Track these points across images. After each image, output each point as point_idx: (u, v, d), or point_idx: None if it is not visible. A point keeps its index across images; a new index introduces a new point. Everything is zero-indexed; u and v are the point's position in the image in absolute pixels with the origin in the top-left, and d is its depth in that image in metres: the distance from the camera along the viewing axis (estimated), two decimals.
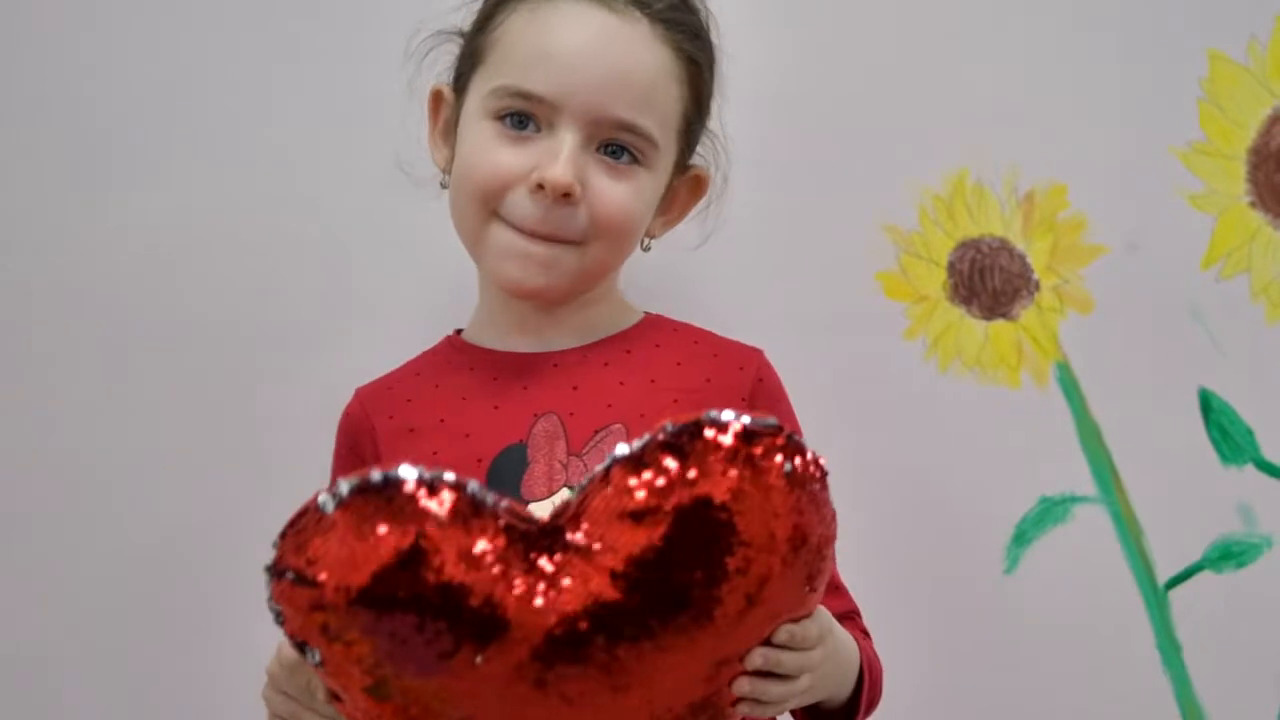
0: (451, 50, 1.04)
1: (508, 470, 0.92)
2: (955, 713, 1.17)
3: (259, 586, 0.72)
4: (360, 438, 1.00)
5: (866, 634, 0.98)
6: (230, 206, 1.23)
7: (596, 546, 0.70)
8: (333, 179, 1.23)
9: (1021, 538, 1.23)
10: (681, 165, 1.03)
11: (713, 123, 1.05)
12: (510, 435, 0.94)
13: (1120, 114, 1.24)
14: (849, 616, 0.97)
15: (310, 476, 1.00)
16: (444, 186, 1.02)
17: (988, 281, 1.24)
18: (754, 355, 1.02)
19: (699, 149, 1.06)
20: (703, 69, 1.00)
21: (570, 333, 1.01)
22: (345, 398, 1.04)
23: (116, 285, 1.22)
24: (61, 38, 1.22)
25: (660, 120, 0.96)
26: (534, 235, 0.94)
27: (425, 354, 1.05)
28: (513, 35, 0.95)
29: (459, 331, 1.06)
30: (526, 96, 0.93)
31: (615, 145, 0.95)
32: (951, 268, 1.25)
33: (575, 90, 0.92)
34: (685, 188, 1.05)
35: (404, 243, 1.22)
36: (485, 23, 0.99)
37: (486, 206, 0.95)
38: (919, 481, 1.23)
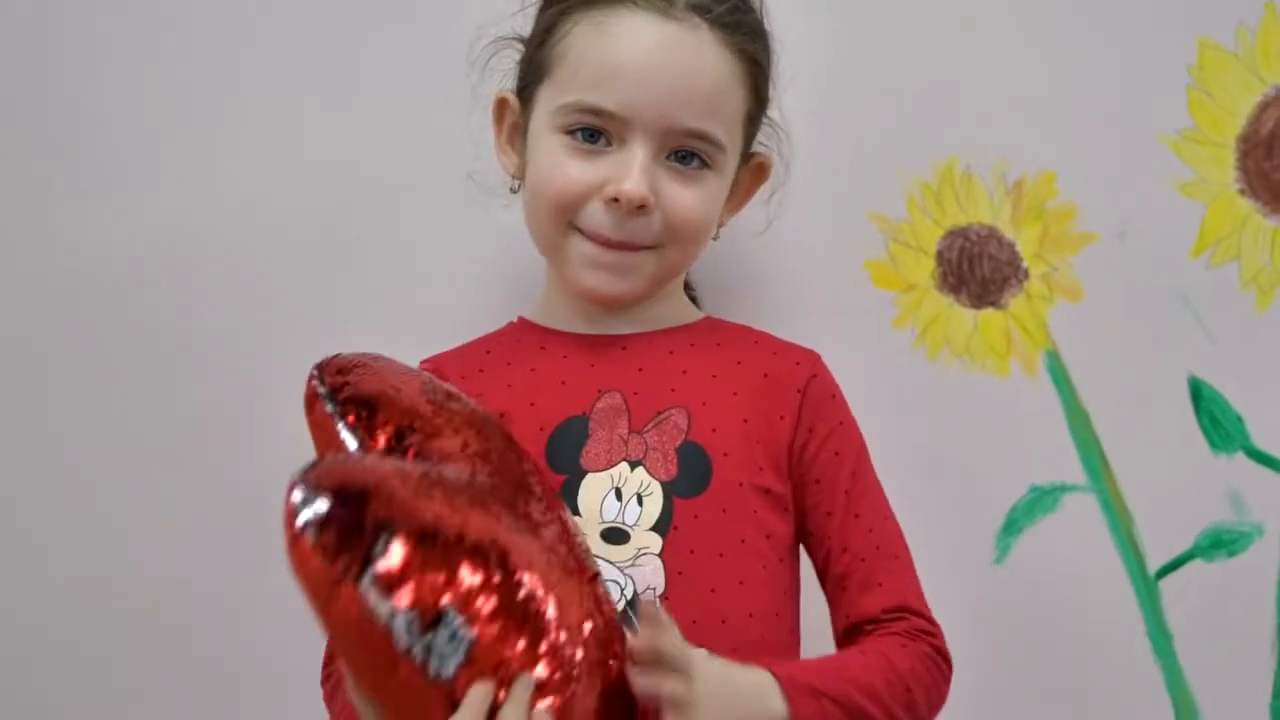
0: (510, 56, 1.07)
1: (567, 440, 0.98)
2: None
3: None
4: None
5: (911, 637, 0.97)
6: (245, 207, 1.24)
7: None
8: (357, 180, 1.24)
9: (1011, 526, 1.23)
10: (745, 156, 1.06)
11: (773, 111, 1.08)
12: (574, 408, 0.99)
13: (1109, 101, 1.23)
14: (896, 614, 0.98)
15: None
16: (514, 191, 1.06)
17: (976, 270, 1.24)
18: (810, 355, 1.06)
19: (760, 136, 1.09)
20: (764, 67, 1.03)
21: (635, 318, 1.05)
22: None
23: (120, 287, 1.23)
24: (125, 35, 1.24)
25: (727, 124, 1.00)
26: (609, 245, 0.99)
27: (490, 336, 1.09)
28: (578, 49, 0.98)
29: (520, 318, 1.09)
30: (597, 113, 0.97)
31: (684, 151, 0.98)
32: (940, 256, 1.24)
33: (645, 104, 0.96)
34: (749, 175, 1.09)
35: (422, 244, 1.24)
36: (548, 35, 1.01)
37: (563, 219, 0.99)
38: (908, 470, 1.20)
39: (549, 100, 1.00)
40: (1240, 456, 1.22)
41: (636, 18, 0.96)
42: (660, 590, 0.93)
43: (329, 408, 0.81)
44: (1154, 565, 1.23)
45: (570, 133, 0.98)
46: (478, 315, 1.11)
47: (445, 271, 1.23)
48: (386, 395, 0.82)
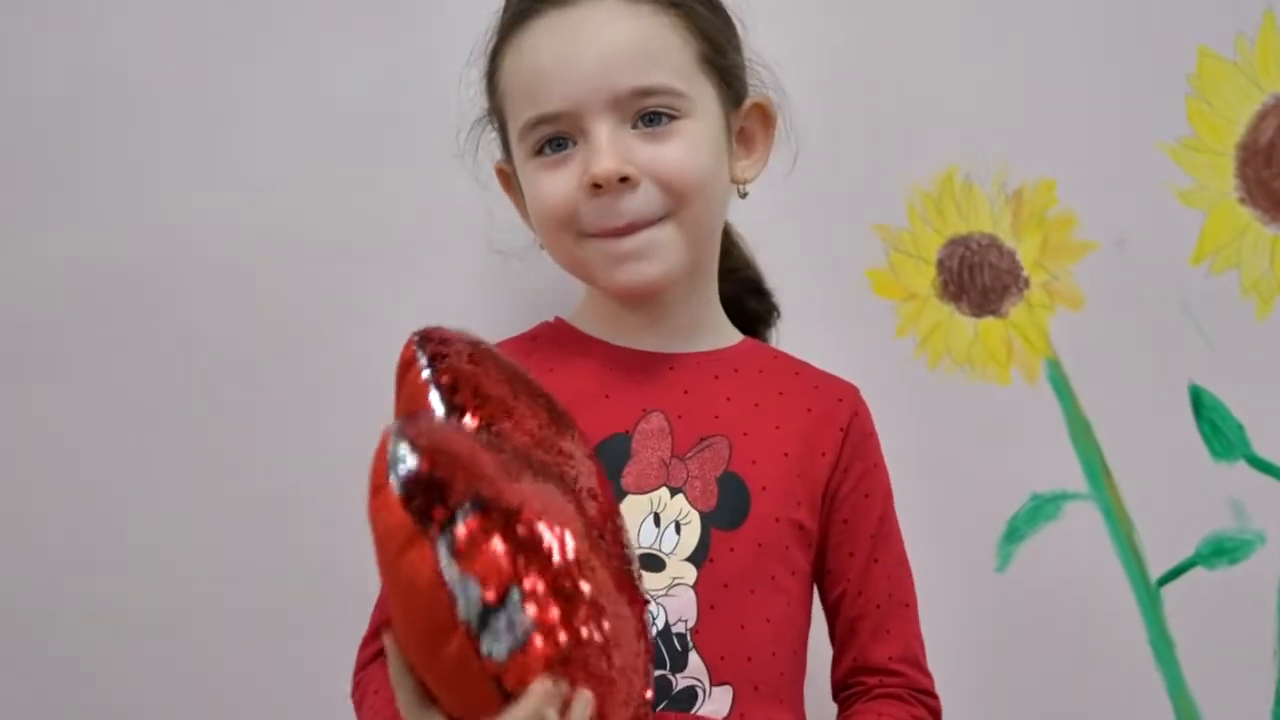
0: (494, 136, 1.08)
1: (609, 458, 0.94)
2: (946, 711, 1.16)
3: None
4: None
5: (910, 703, 0.98)
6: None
7: None
8: (359, 180, 1.24)
9: (1013, 535, 1.23)
10: (735, 102, 1.03)
11: (747, 53, 1.06)
12: (617, 425, 0.97)
13: (1109, 110, 1.24)
14: (899, 666, 0.99)
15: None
16: (543, 248, 1.05)
17: (977, 279, 1.24)
18: (851, 390, 1.05)
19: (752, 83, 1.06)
20: (692, 7, 1.00)
21: (676, 330, 1.03)
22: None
23: (119, 287, 1.24)
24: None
25: (673, 69, 0.97)
26: (620, 232, 0.96)
27: (522, 337, 1.07)
28: (511, 78, 0.99)
29: (557, 318, 1.08)
30: (546, 120, 0.97)
31: (648, 114, 0.96)
32: (941, 265, 1.24)
33: (579, 88, 0.95)
34: (755, 121, 1.06)
35: (425, 245, 1.24)
36: (491, 86, 1.03)
37: (570, 230, 0.97)
38: (909, 479, 1.21)
39: (514, 138, 1.00)
40: (1241, 464, 1.22)
41: (543, 21, 0.97)
42: (691, 623, 0.91)
43: (426, 374, 0.80)
44: (1155, 573, 1.22)
45: (539, 153, 0.98)
46: (482, 316, 1.11)
47: (448, 273, 1.22)
48: (480, 379, 0.81)
